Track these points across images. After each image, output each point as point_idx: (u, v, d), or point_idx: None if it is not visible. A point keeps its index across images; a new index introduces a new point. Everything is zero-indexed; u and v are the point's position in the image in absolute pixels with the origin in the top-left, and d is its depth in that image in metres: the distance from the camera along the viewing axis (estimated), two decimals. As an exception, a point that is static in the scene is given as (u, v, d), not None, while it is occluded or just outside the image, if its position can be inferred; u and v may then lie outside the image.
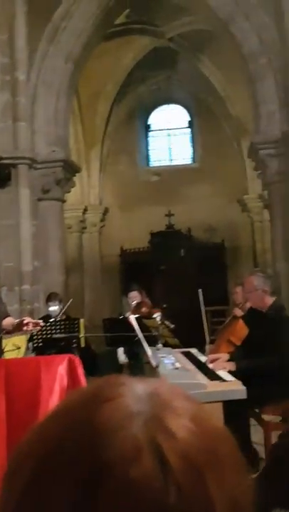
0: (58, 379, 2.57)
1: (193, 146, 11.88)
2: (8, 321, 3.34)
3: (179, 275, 10.12)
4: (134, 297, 5.74)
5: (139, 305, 5.65)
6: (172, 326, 5.59)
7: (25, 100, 6.33)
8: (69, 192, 7.41)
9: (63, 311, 5.54)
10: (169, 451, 0.35)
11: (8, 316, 3.45)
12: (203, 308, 5.16)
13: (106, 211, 11.21)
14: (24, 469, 0.38)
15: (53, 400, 2.53)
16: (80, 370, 2.59)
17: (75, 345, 4.49)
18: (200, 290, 5.15)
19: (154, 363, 3.19)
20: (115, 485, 0.34)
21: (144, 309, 5.57)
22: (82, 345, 5.08)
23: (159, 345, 3.95)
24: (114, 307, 10.16)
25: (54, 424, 0.40)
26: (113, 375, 0.44)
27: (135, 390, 0.40)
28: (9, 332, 3.36)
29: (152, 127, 12.13)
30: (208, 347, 5.08)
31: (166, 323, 5.15)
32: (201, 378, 2.93)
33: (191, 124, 11.97)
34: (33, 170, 6.42)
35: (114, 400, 0.38)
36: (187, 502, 0.34)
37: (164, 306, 6.87)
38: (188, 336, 5.22)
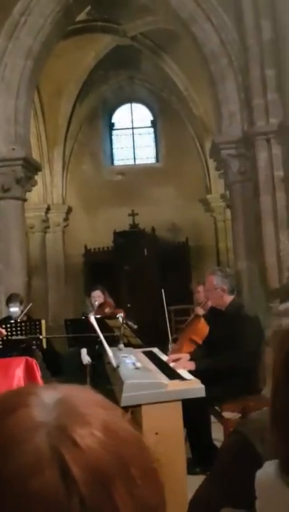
0: (16, 381, 2.53)
1: (157, 146, 11.92)
2: None
3: (142, 274, 10.14)
4: (98, 297, 5.70)
5: (102, 305, 5.61)
6: (135, 326, 5.58)
7: (-16, 97, 6.19)
8: (30, 191, 7.29)
9: (24, 312, 5.45)
10: (71, 462, 0.34)
11: None
12: (165, 308, 5.18)
13: (69, 210, 11.10)
14: None
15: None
16: (38, 372, 2.55)
17: (35, 347, 4.41)
18: (162, 290, 5.16)
19: (114, 363, 3.17)
20: (15, 500, 0.33)
21: (107, 309, 5.55)
22: (45, 346, 5.02)
23: (121, 346, 3.93)
24: (78, 307, 10.08)
25: None
26: (28, 383, 0.42)
27: (43, 398, 0.39)
28: None
29: (116, 126, 12.09)
30: (171, 346, 5.11)
31: (130, 323, 5.14)
32: (162, 377, 2.94)
33: (154, 124, 12.00)
34: (-8, 168, 6.28)
35: (19, 411, 0.37)
36: None
37: (128, 305, 6.87)
38: (151, 335, 5.23)
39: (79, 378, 5.84)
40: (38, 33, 6.50)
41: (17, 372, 2.53)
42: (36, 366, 2.55)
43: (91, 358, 5.71)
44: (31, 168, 6.93)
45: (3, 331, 3.45)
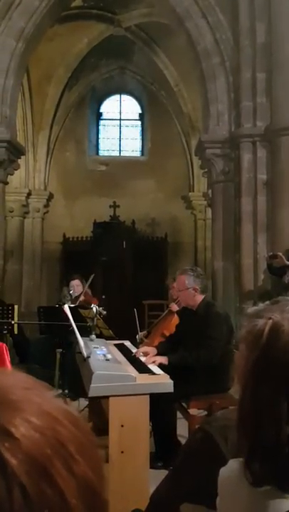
0: (-16, 365, 2.50)
1: (143, 140, 11.88)
2: None
3: (119, 267, 10.14)
4: (76, 286, 5.66)
5: (80, 294, 5.59)
6: (104, 312, 5.58)
7: (-29, 75, 6.07)
8: (12, 174, 7.19)
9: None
10: (8, 455, 0.33)
11: None
12: (136, 314, 5.23)
13: (50, 197, 10.99)
14: None
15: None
16: (7, 357, 2.53)
17: (6, 332, 4.37)
18: (135, 310, 5.23)
19: (85, 353, 3.17)
20: None
21: (82, 298, 5.53)
22: (16, 332, 4.98)
23: (93, 336, 3.93)
24: (53, 295, 10.02)
25: None
26: None
27: None
28: None
29: (104, 116, 12.00)
30: (139, 335, 5.14)
31: (100, 309, 5.13)
32: (131, 370, 2.95)
33: (141, 117, 11.96)
34: (-26, 149, 6.17)
35: None
36: (35, 501, 0.33)
37: (103, 296, 6.84)
38: (123, 327, 5.24)
39: (47, 366, 5.82)
40: (31, 15, 6.39)
41: (-14, 355, 2.51)
42: (6, 351, 2.53)
43: (61, 347, 5.69)
44: (15, 151, 6.83)
45: None
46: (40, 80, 9.94)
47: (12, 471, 0.33)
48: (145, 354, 3.51)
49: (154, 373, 2.97)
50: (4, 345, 2.55)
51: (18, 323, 5.00)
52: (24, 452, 0.34)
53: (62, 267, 10.60)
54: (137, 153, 11.90)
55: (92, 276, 5.30)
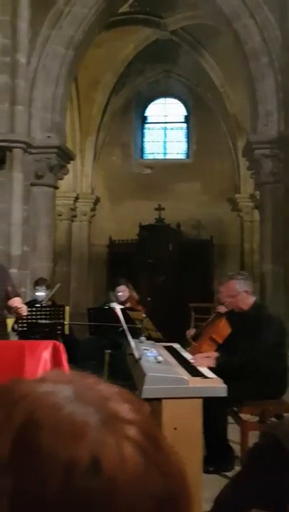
0: (42, 364, 2.59)
1: (188, 142, 11.88)
2: (16, 302, 3.41)
3: (165, 269, 10.16)
4: (122, 291, 5.72)
5: (126, 300, 5.65)
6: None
7: (25, 84, 6.27)
8: (62, 179, 7.37)
9: (50, 296, 5.53)
10: (136, 435, 0.38)
11: (17, 295, 3.52)
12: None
13: (97, 201, 11.18)
14: None
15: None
16: (64, 357, 2.61)
17: (59, 332, 4.49)
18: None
19: (137, 354, 3.21)
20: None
21: (128, 304, 5.58)
22: (66, 332, 5.10)
23: (143, 338, 3.96)
24: (99, 296, 10.18)
25: None
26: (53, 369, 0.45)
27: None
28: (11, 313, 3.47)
29: (149, 120, 12.09)
30: (188, 335, 5.11)
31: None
32: (183, 373, 2.96)
33: (187, 119, 11.95)
34: (27, 155, 6.37)
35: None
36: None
37: (148, 299, 6.87)
38: (169, 330, 5.25)
39: (96, 366, 5.92)
40: (80, 23, 6.54)
41: (44, 354, 2.59)
42: (63, 350, 2.61)
43: (110, 348, 5.77)
44: (65, 156, 7.00)
45: (25, 310, 3.52)
46: (88, 86, 10.13)
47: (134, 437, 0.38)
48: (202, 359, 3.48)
49: (206, 377, 2.96)
50: (62, 345, 2.63)
51: (69, 324, 5.11)
52: (140, 429, 0.39)
53: (108, 269, 10.76)
54: (182, 156, 11.90)
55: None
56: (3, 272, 3.60)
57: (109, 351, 5.76)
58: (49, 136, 6.58)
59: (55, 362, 2.59)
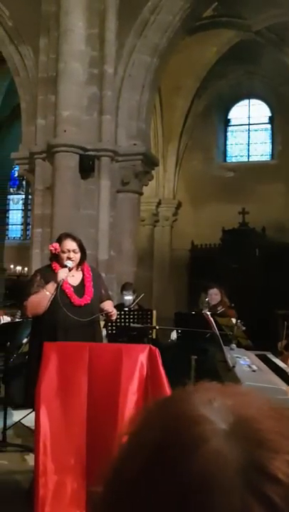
0: (139, 367, 2.63)
1: (273, 143, 11.57)
2: (108, 305, 3.50)
3: (250, 274, 9.93)
4: (214, 295, 5.67)
5: (217, 303, 5.60)
6: (244, 328, 5.50)
7: (112, 93, 6.45)
8: (146, 185, 7.49)
9: (137, 301, 5.63)
10: (276, 498, 0.33)
11: (109, 299, 3.62)
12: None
13: (179, 205, 11.22)
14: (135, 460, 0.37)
15: (132, 386, 2.58)
16: (160, 361, 2.63)
17: (150, 336, 4.55)
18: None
19: (230, 362, 3.17)
20: None
21: (220, 308, 5.52)
22: (154, 336, 5.16)
23: (233, 345, 3.90)
24: (181, 301, 10.18)
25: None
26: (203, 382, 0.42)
27: (217, 424, 0.36)
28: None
29: (232, 122, 11.95)
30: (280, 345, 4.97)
31: (239, 323, 5.08)
32: (280, 383, 2.87)
33: (271, 120, 11.66)
34: (114, 162, 6.55)
35: (201, 449, 0.35)
36: None
37: (232, 305, 6.77)
38: (255, 337, 5.13)
39: (180, 372, 5.92)
40: (165, 31, 6.62)
41: (140, 357, 2.63)
42: (159, 355, 2.64)
43: (196, 353, 5.74)
44: (149, 163, 7.11)
45: (115, 315, 3.58)
46: (170, 91, 10.22)
47: None
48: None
49: (304, 387, 2.85)
50: (157, 349, 2.66)
51: (156, 328, 5.17)
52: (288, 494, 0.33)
53: (190, 274, 10.74)
54: (267, 157, 11.62)
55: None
56: (97, 276, 3.70)
57: (195, 357, 5.75)
58: (135, 144, 6.71)
59: (152, 365, 2.62)
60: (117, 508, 0.37)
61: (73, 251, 3.43)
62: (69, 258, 3.42)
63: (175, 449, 0.36)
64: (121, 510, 0.37)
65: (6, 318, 4.42)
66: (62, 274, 3.35)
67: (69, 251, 3.43)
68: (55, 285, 3.33)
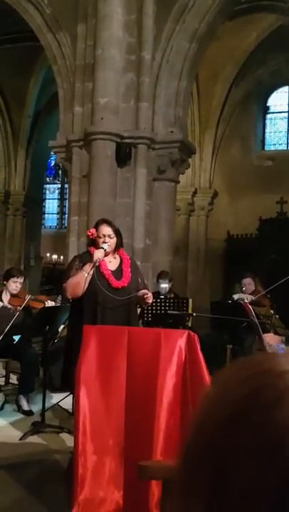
0: (177, 351, 2.62)
1: (313, 131, 11.27)
2: (144, 293, 3.56)
3: (288, 265, 9.73)
4: (248, 284, 5.61)
5: (251, 293, 5.53)
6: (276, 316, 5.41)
7: (149, 80, 6.40)
8: (183, 173, 7.43)
9: (172, 289, 5.62)
10: None
11: (145, 288, 3.68)
12: None
13: (215, 195, 11.09)
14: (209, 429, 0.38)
15: (170, 370, 2.58)
16: (198, 347, 2.62)
17: (187, 323, 4.54)
18: None
19: (269, 351, 3.12)
20: None
21: (255, 297, 5.45)
22: (190, 324, 5.14)
23: (282, 346, 3.84)
24: (216, 291, 10.11)
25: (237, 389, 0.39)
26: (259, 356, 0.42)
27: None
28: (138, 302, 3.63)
29: (271, 109, 11.69)
30: None
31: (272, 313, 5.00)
32: None
33: (311, 107, 11.35)
34: (151, 150, 6.51)
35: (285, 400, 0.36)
36: None
37: (268, 296, 6.66)
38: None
39: (215, 361, 5.89)
40: (204, 15, 6.49)
41: (179, 342, 2.62)
42: (198, 341, 2.62)
43: (232, 343, 5.69)
44: (186, 150, 7.03)
45: (151, 298, 3.61)
46: (208, 79, 10.07)
47: None
48: None
49: None
50: (196, 335, 2.64)
51: (193, 316, 5.14)
52: None
53: (225, 264, 10.64)
54: (306, 146, 11.33)
55: None
56: (134, 265, 3.76)
57: (230, 346, 5.70)
58: (172, 131, 6.66)
59: (190, 351, 2.61)
60: (201, 470, 0.37)
61: (109, 236, 3.53)
62: (104, 242, 3.50)
63: (260, 402, 0.36)
64: (204, 472, 0.37)
65: (50, 303, 4.52)
66: (98, 254, 3.46)
67: (104, 236, 3.51)
68: (92, 265, 3.40)
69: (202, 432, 0.39)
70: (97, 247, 3.51)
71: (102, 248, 3.48)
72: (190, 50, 6.64)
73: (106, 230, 3.55)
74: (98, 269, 3.48)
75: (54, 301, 4.89)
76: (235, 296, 5.49)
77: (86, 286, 3.42)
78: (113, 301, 3.40)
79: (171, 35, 6.53)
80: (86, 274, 3.41)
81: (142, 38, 6.37)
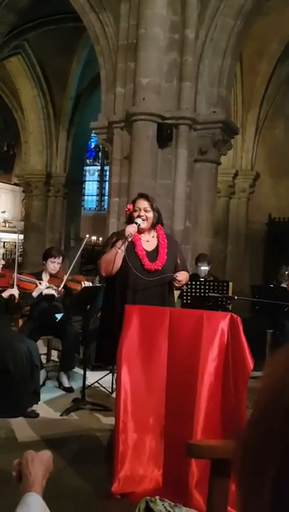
0: (219, 333, 2.60)
1: None
2: (182, 275, 3.49)
3: None
4: None
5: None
6: None
7: (192, 59, 6.28)
8: (225, 154, 7.29)
9: (211, 272, 5.57)
10: None
11: (184, 269, 3.61)
12: None
13: (257, 177, 10.85)
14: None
15: (212, 352, 2.57)
16: (241, 330, 2.59)
17: (228, 306, 4.50)
18: None
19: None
20: None
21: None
22: (230, 308, 5.09)
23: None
24: (256, 275, 9.96)
25: None
26: None
27: None
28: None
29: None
30: None
31: None
32: None
33: None
34: (192, 131, 6.42)
35: None
36: None
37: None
38: None
39: (254, 346, 5.83)
40: (251, -9, 6.28)
41: (221, 324, 2.60)
42: (240, 323, 2.59)
43: (272, 328, 5.62)
44: (229, 131, 6.89)
45: (180, 283, 3.52)
46: (252, 57, 9.78)
47: None
48: None
49: None
50: (239, 318, 2.61)
51: (234, 299, 5.09)
52: None
53: (266, 248, 10.45)
54: None
55: None
56: (175, 245, 3.69)
57: (271, 331, 5.63)
58: (214, 111, 6.52)
59: (233, 333, 2.59)
60: (258, 463, 0.37)
61: (145, 209, 3.42)
62: (139, 216, 3.41)
63: None
64: (262, 464, 0.37)
65: (87, 283, 4.56)
66: (130, 228, 3.36)
67: (140, 209, 3.42)
68: (124, 240, 3.34)
69: (266, 418, 0.39)
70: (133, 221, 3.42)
71: (136, 223, 3.37)
72: (235, 27, 6.45)
73: (142, 203, 3.43)
74: (133, 249, 3.40)
75: (92, 282, 4.94)
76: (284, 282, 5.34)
77: (119, 262, 3.35)
78: (144, 283, 3.33)
79: (216, 12, 6.36)
80: (119, 251, 3.35)
81: (185, 16, 6.23)
